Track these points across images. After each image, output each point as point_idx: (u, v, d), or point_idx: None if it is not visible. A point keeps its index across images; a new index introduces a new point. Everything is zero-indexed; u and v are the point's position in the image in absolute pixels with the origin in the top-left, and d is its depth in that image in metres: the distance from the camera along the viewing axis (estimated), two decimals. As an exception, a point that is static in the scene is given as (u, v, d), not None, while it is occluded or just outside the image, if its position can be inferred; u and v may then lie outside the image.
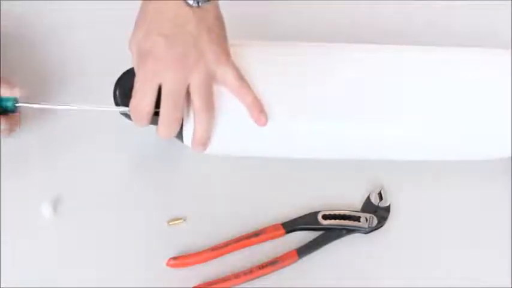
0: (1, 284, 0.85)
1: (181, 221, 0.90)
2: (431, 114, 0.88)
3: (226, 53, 0.84)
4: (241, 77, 0.84)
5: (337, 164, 0.92)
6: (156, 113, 0.85)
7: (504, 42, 0.98)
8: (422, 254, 0.89)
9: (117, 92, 0.88)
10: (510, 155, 0.90)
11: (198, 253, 0.87)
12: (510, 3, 1.04)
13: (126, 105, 0.86)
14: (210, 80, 0.84)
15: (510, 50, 0.91)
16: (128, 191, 0.91)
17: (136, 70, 0.84)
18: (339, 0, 1.03)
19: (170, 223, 0.89)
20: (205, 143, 0.86)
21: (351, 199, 0.92)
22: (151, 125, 0.89)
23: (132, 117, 0.85)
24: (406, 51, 0.91)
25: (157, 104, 0.84)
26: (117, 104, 0.88)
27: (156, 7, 0.82)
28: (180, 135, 0.87)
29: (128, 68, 0.89)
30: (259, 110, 0.85)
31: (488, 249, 0.90)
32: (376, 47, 0.91)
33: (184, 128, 0.86)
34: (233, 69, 0.84)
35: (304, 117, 0.87)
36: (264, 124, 0.85)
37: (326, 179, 0.93)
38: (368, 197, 0.91)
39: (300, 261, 0.87)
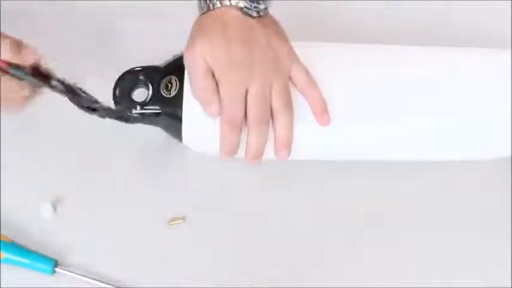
0: (1, 284, 0.85)
1: (181, 221, 0.90)
2: (431, 114, 0.88)
3: (294, 52, 0.87)
4: (310, 74, 0.86)
5: (334, 165, 0.92)
6: (157, 114, 0.86)
7: (504, 42, 0.98)
8: (421, 254, 0.89)
9: (117, 92, 0.89)
10: (510, 155, 0.90)
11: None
12: (510, 3, 1.03)
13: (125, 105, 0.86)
14: (288, 77, 0.86)
15: (510, 50, 0.91)
16: (128, 191, 0.91)
17: (203, 81, 0.83)
18: (341, 0, 1.04)
19: (170, 223, 0.90)
20: (289, 144, 0.85)
21: (349, 200, 0.92)
22: (151, 126, 0.90)
23: (223, 131, 0.84)
24: (405, 51, 0.91)
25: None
26: (116, 103, 0.88)
27: (217, 20, 0.84)
28: (179, 135, 0.87)
29: (127, 68, 0.89)
30: (323, 109, 0.85)
31: (488, 249, 0.90)
32: (375, 46, 0.91)
33: (184, 127, 0.86)
34: (303, 66, 0.86)
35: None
36: (327, 124, 0.85)
37: (326, 179, 0.93)
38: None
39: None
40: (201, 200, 0.91)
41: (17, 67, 0.81)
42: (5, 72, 0.81)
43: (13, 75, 0.81)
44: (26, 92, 0.82)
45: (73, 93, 0.84)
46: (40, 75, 0.82)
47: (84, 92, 0.84)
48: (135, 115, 0.88)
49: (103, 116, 0.86)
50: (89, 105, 0.85)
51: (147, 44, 0.98)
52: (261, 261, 0.88)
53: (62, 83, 0.83)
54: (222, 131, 0.84)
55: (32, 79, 0.82)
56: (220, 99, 0.83)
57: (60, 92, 0.83)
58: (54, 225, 0.89)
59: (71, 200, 0.90)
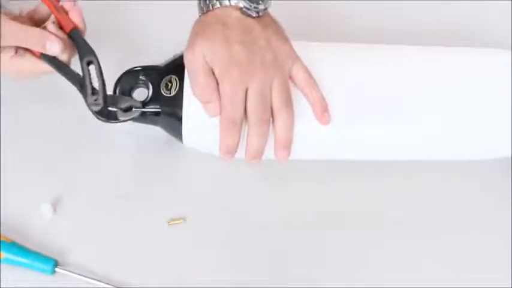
0: (1, 284, 0.85)
1: (181, 221, 0.90)
2: (431, 114, 0.88)
3: (294, 51, 0.87)
4: (310, 73, 0.86)
5: (334, 165, 0.92)
6: (157, 113, 0.86)
7: (504, 42, 0.98)
8: (421, 254, 0.89)
9: (117, 92, 0.89)
10: (510, 155, 0.90)
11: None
12: (510, 3, 1.04)
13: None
14: (288, 77, 0.86)
15: (510, 50, 0.91)
16: (127, 191, 0.91)
17: (203, 80, 0.83)
18: (341, 0, 1.04)
19: (170, 223, 0.90)
20: (288, 145, 0.85)
21: (349, 200, 0.92)
22: (151, 126, 0.90)
23: (223, 130, 0.84)
24: (405, 51, 0.91)
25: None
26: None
27: (217, 20, 0.84)
28: (179, 135, 0.87)
29: (127, 68, 0.89)
30: (324, 108, 0.86)
31: (488, 249, 0.90)
32: (375, 46, 0.91)
33: (184, 127, 0.86)
34: (303, 65, 0.86)
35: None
36: (327, 123, 0.85)
37: (326, 179, 0.93)
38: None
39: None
40: (201, 200, 0.91)
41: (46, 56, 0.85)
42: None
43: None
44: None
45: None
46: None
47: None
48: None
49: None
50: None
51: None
52: (260, 261, 0.88)
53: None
54: (221, 130, 0.84)
55: (57, 68, 0.85)
56: (220, 99, 0.83)
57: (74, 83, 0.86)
58: (54, 225, 0.89)
59: (71, 200, 0.90)
